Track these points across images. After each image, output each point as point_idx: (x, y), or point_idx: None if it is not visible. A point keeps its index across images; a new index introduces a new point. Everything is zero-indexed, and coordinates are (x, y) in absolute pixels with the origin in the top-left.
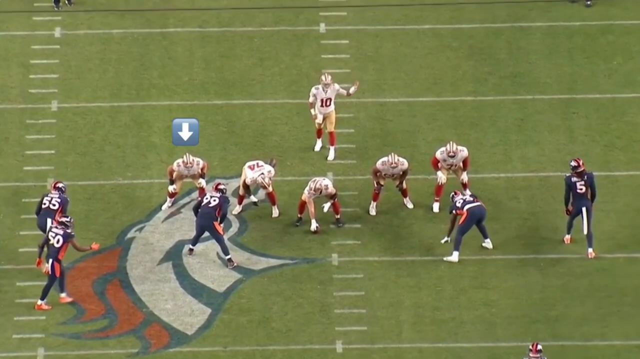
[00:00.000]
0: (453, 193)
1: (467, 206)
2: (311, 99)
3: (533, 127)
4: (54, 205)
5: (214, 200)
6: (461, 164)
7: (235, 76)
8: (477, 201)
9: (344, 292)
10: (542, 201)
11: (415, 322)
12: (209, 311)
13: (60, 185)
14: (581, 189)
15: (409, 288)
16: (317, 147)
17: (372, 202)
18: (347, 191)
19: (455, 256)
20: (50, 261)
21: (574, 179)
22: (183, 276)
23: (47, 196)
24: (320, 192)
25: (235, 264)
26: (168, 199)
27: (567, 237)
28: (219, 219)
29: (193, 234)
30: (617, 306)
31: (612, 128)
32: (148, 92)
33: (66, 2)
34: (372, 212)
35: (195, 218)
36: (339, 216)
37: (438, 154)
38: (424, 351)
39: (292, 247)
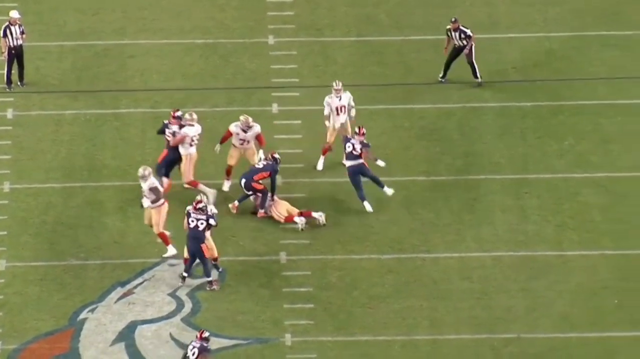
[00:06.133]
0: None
1: (348, 162)
2: (326, 111)
3: (486, 207)
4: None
5: (201, 223)
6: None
7: None
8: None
9: None
10: (495, 281)
11: None
12: None
13: (178, 114)
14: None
15: None
16: (320, 166)
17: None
18: (299, 271)
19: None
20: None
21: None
22: (136, 357)
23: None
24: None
25: (214, 287)
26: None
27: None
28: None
29: (145, 315)
30: None
31: (565, 208)
32: (100, 173)
33: (18, 83)
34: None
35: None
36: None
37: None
38: None
39: (245, 327)
